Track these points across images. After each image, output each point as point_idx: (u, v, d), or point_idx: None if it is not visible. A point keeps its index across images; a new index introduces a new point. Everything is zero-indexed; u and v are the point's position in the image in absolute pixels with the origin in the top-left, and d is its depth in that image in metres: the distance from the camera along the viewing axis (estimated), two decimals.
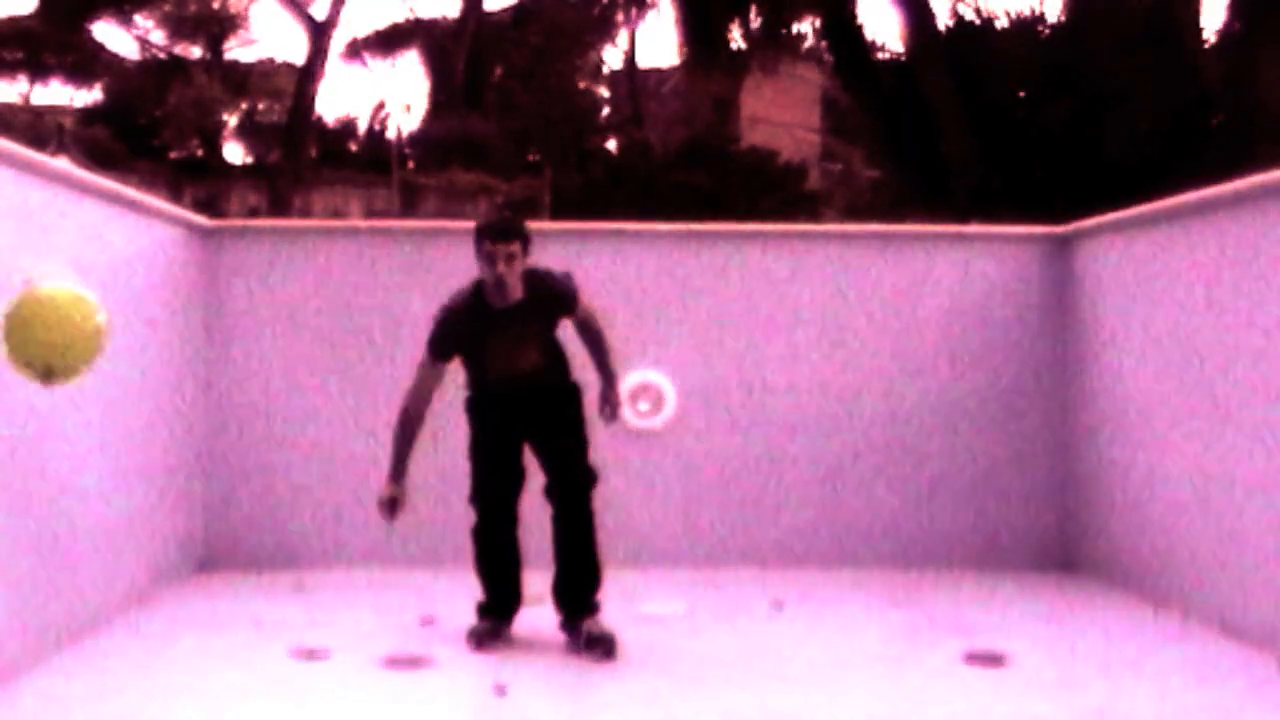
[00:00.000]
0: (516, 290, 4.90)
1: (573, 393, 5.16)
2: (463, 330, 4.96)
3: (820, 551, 6.60)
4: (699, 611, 5.59)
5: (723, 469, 6.63)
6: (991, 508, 6.65)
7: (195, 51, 34.54)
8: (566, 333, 5.15)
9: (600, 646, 4.89)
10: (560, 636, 5.10)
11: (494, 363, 4.99)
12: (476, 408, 5.15)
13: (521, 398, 5.08)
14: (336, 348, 6.55)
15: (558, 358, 5.15)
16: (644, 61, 43.39)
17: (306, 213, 27.64)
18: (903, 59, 17.77)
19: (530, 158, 31.25)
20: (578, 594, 5.08)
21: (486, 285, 4.88)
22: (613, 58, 38.48)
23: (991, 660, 4.75)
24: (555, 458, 5.08)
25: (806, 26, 22.04)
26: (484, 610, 5.16)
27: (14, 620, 4.32)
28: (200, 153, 32.74)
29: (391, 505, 5.01)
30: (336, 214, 28.33)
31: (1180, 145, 13.92)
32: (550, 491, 5.07)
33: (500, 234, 4.85)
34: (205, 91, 31.85)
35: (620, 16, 34.23)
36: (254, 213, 27.26)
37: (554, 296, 5.02)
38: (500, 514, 5.10)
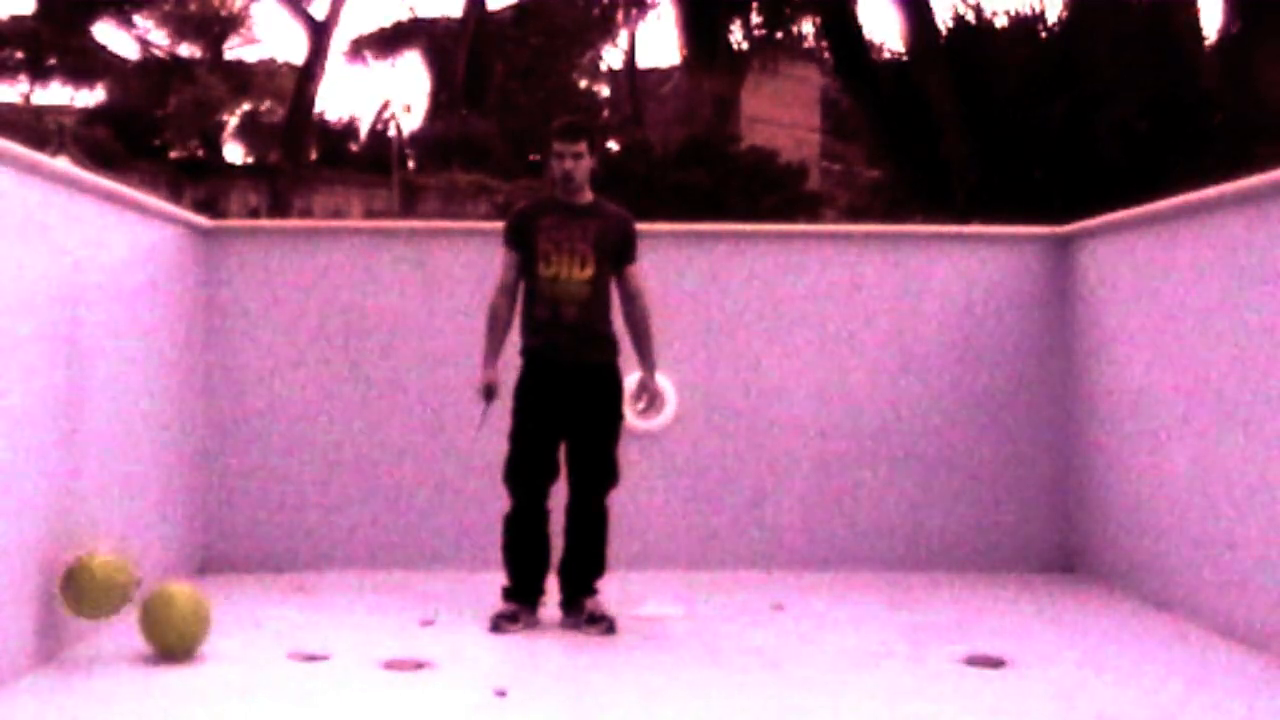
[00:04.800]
0: (584, 194, 5.31)
1: (615, 379, 5.34)
2: (529, 213, 5.37)
3: (820, 553, 6.60)
4: (699, 613, 5.59)
5: (722, 470, 6.62)
6: (992, 509, 6.64)
7: (196, 52, 34.56)
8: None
9: (601, 623, 5.17)
10: (560, 633, 5.18)
11: (547, 253, 5.21)
12: (523, 383, 5.32)
13: (565, 355, 5.23)
14: (336, 348, 6.55)
15: (606, 302, 5.34)
16: (644, 61, 43.42)
17: (306, 213, 27.67)
18: (903, 59, 17.79)
19: (531, 157, 31.25)
20: (583, 575, 5.32)
21: (555, 185, 5.30)
22: (613, 58, 38.53)
23: (992, 662, 4.75)
24: (584, 455, 5.28)
25: (807, 26, 22.07)
26: (507, 594, 5.33)
27: (15, 621, 4.31)
28: (200, 153, 32.75)
29: (488, 391, 5.27)
30: (336, 214, 28.35)
31: (1180, 145, 13.93)
32: (571, 484, 5.30)
33: (568, 133, 5.28)
34: (208, 91, 31.87)
35: (620, 16, 34.26)
36: (254, 213, 27.28)
37: (621, 218, 5.40)
38: (531, 502, 5.29)
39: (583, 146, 5.25)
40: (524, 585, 5.32)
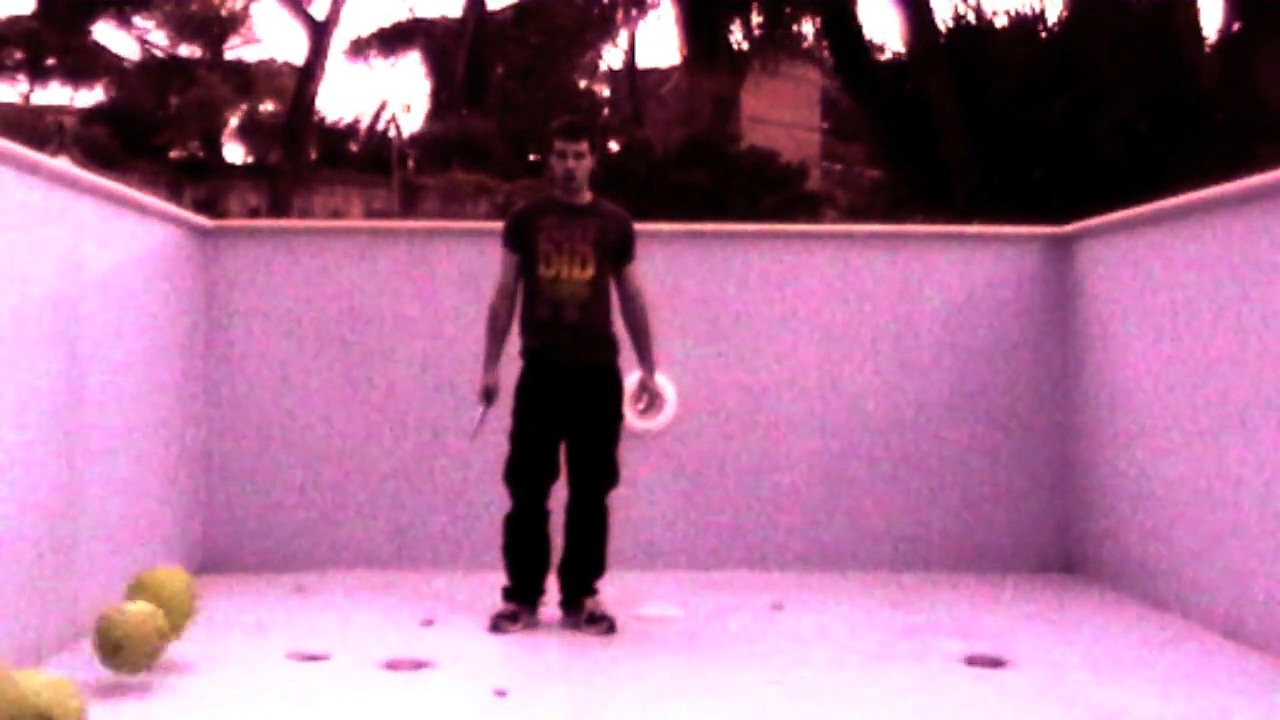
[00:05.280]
0: (584, 193, 5.31)
1: (615, 379, 5.35)
2: (528, 213, 5.38)
3: (820, 553, 6.60)
4: (699, 613, 5.59)
5: (722, 470, 6.62)
6: (991, 509, 6.64)
7: (196, 52, 34.56)
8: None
9: (602, 623, 5.18)
10: (560, 633, 5.20)
11: (547, 253, 5.20)
12: (523, 384, 5.31)
13: (566, 356, 5.23)
14: (336, 348, 6.55)
15: (606, 303, 5.35)
16: (644, 61, 43.40)
17: (306, 213, 27.65)
18: (903, 59, 17.78)
19: (531, 158, 31.23)
20: (583, 574, 5.33)
21: (555, 184, 5.30)
22: (613, 58, 38.51)
23: (992, 662, 4.75)
24: (585, 455, 5.29)
25: (807, 26, 22.07)
26: (507, 594, 5.34)
27: (15, 621, 4.31)
28: (200, 153, 32.75)
29: (488, 393, 5.30)
30: (336, 214, 28.35)
31: (1180, 145, 13.92)
32: (571, 484, 5.30)
33: (570, 132, 5.29)
34: (211, 91, 31.86)
35: (620, 16, 34.25)
36: (254, 213, 27.27)
37: (620, 218, 5.41)
38: (531, 502, 5.29)
39: (585, 146, 5.26)
40: (524, 585, 5.32)
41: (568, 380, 5.23)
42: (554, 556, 5.39)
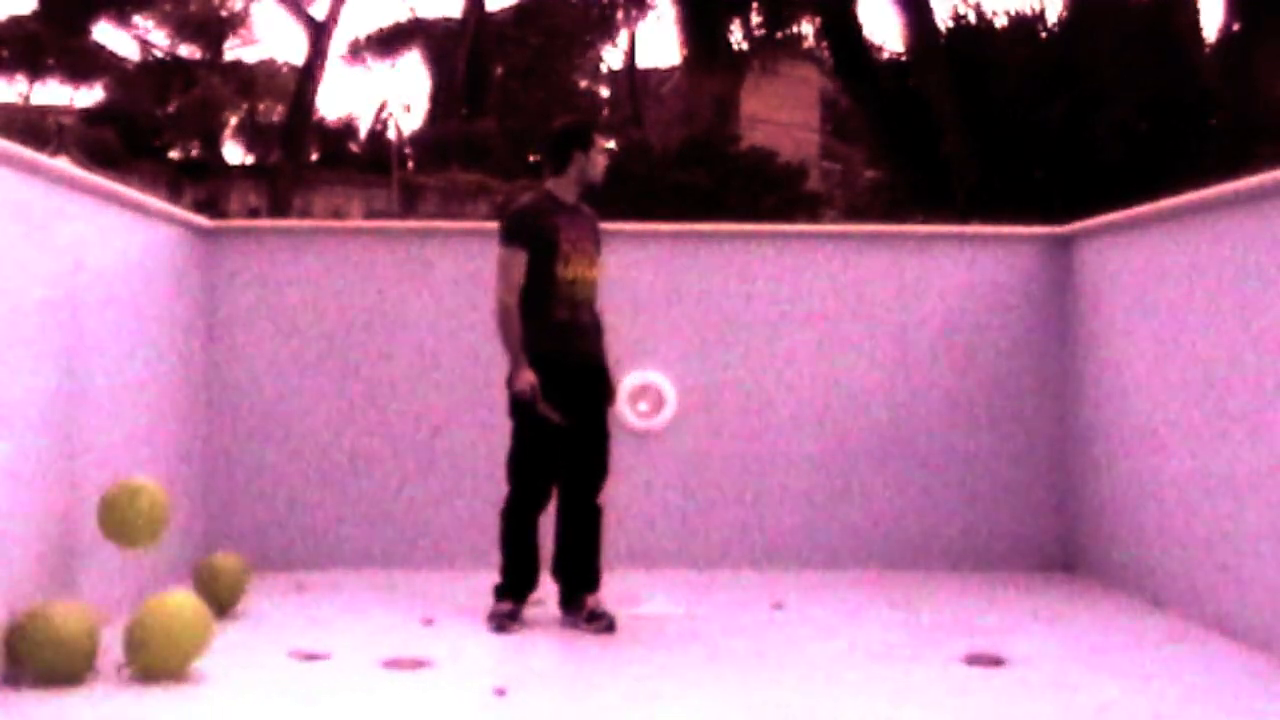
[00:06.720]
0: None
1: (610, 378, 5.40)
2: (537, 212, 5.27)
3: (820, 552, 6.60)
4: (698, 612, 5.59)
5: (722, 470, 6.62)
6: (991, 508, 6.65)
7: (196, 52, 34.59)
8: None
9: (602, 621, 5.16)
10: (560, 632, 5.20)
11: (567, 254, 5.17)
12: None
13: (577, 357, 5.22)
14: (336, 348, 6.55)
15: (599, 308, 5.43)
16: (644, 61, 43.40)
17: (306, 213, 27.66)
18: (903, 59, 17.76)
19: (531, 158, 31.24)
20: (582, 571, 5.30)
21: (579, 182, 5.27)
22: (613, 58, 38.52)
23: (991, 661, 4.75)
24: (587, 452, 5.27)
25: (806, 27, 22.06)
26: (501, 592, 5.31)
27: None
28: (200, 153, 32.76)
29: (533, 389, 5.12)
30: (336, 214, 28.34)
31: (1180, 145, 13.91)
32: (570, 482, 5.28)
33: (600, 131, 5.37)
34: (211, 92, 31.88)
35: (620, 16, 34.27)
36: (254, 213, 27.27)
37: (596, 215, 5.43)
38: (536, 498, 5.28)
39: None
40: (520, 579, 5.30)
41: (577, 379, 5.23)
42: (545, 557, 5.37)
